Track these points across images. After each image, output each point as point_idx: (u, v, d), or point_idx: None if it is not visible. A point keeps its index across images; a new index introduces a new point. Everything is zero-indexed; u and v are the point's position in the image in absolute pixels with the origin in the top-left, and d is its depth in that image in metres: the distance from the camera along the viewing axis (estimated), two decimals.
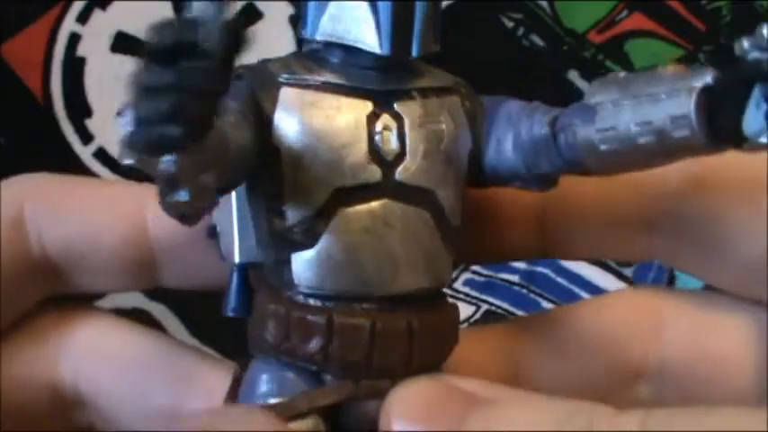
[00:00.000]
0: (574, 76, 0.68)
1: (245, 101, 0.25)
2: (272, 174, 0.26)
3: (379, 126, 0.26)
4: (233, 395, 0.27)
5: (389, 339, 0.25)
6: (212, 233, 0.27)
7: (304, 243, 0.26)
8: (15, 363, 0.31)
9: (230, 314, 0.28)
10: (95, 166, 0.66)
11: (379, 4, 0.25)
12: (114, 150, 0.67)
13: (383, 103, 0.26)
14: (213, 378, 0.30)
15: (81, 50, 0.67)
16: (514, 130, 0.27)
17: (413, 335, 0.26)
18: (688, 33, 0.68)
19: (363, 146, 0.26)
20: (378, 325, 0.25)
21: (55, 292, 0.32)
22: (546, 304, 0.65)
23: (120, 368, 0.31)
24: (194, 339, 0.63)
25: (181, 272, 0.31)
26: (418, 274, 0.26)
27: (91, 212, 0.31)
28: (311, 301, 0.26)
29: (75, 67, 0.67)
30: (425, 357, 0.26)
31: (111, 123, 0.67)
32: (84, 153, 0.67)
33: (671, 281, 0.58)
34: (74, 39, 0.67)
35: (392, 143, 0.26)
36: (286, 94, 0.26)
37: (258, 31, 0.69)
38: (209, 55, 0.19)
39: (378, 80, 0.26)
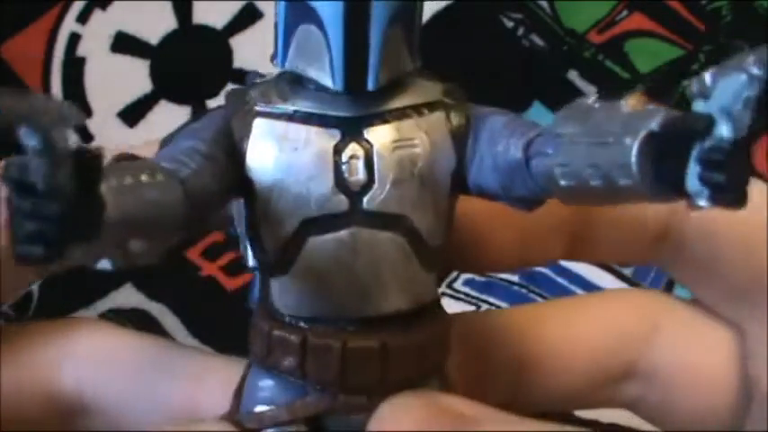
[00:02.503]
0: (574, 76, 0.68)
1: (215, 137, 0.26)
2: (248, 203, 0.26)
3: (345, 156, 0.26)
4: (239, 394, 0.28)
5: (361, 359, 0.26)
6: (234, 233, 0.28)
7: (279, 270, 0.26)
8: (16, 369, 0.30)
9: (253, 306, 0.28)
10: None
11: (330, 37, 0.25)
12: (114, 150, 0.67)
13: (352, 131, 0.26)
14: (226, 371, 0.30)
15: (81, 50, 0.67)
16: (493, 151, 0.26)
17: (387, 353, 0.26)
18: (688, 33, 0.68)
19: (330, 177, 0.26)
20: (349, 345, 0.26)
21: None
22: None
23: (127, 371, 0.31)
24: (194, 339, 0.63)
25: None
26: (392, 296, 0.26)
27: None
28: (290, 321, 0.27)
29: (75, 67, 0.67)
30: (404, 374, 0.27)
31: (111, 123, 0.67)
32: None
33: (670, 283, 0.58)
34: (74, 39, 0.67)
35: (359, 172, 0.26)
36: (259, 125, 0.26)
37: (258, 31, 0.69)
38: (49, 192, 0.19)
39: (350, 105, 0.26)
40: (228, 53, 0.67)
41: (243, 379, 0.28)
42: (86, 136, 0.67)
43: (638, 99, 0.23)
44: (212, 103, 0.67)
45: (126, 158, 0.23)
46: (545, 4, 0.68)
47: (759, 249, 0.29)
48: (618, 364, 0.32)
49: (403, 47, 0.26)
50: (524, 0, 0.68)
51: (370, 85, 0.25)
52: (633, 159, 0.22)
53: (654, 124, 0.22)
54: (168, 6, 0.68)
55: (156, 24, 0.68)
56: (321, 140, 0.26)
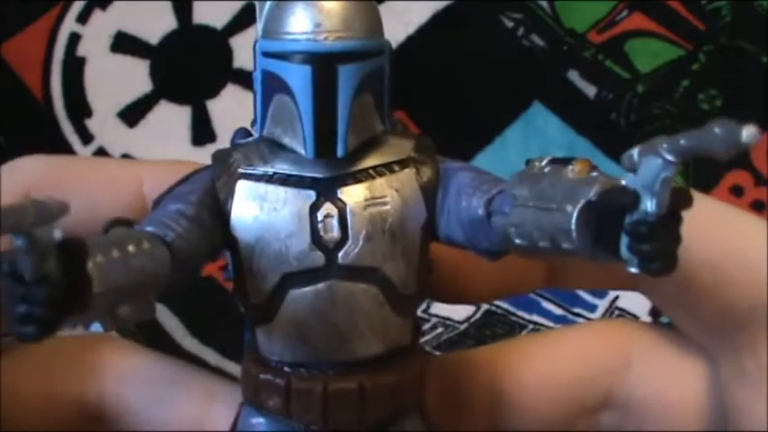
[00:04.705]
0: (574, 76, 0.68)
1: (201, 198, 0.28)
2: (234, 260, 0.28)
3: (320, 215, 0.27)
4: (235, 423, 0.30)
5: (341, 399, 0.28)
6: (229, 277, 0.30)
7: (263, 319, 0.28)
8: (51, 381, 0.32)
9: (246, 346, 0.30)
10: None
11: (301, 107, 0.27)
12: (114, 150, 0.67)
13: (327, 190, 0.28)
14: (233, 396, 0.31)
15: (81, 50, 0.67)
16: (459, 206, 0.28)
17: (365, 394, 0.28)
18: (688, 33, 0.68)
19: (306, 235, 0.27)
20: (330, 387, 0.28)
21: None
22: (546, 305, 0.65)
23: (145, 386, 0.33)
24: (194, 339, 0.63)
25: None
26: (368, 343, 0.28)
27: (92, 194, 0.31)
28: (275, 365, 0.28)
29: (75, 67, 0.67)
30: (381, 411, 0.28)
31: (111, 123, 0.67)
32: (84, 153, 0.67)
33: None
34: (74, 39, 0.67)
35: (334, 230, 0.27)
36: (241, 187, 0.28)
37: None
38: (36, 281, 0.21)
39: (325, 167, 0.28)
40: (228, 53, 0.67)
41: (237, 415, 0.30)
42: (86, 136, 0.67)
43: (583, 166, 0.24)
44: (212, 104, 0.67)
45: (119, 223, 0.26)
46: (545, 4, 0.68)
47: (729, 281, 0.29)
48: (593, 396, 0.32)
49: (373, 112, 0.28)
50: (524, 0, 0.68)
51: (340, 152, 0.27)
52: (573, 226, 0.23)
53: (592, 194, 0.23)
54: (168, 6, 0.68)
55: (156, 24, 0.68)
56: (298, 201, 0.27)
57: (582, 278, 0.33)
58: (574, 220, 0.23)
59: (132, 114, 0.67)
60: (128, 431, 0.33)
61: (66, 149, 0.66)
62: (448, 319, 0.64)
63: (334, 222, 0.27)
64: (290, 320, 0.28)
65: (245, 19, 0.67)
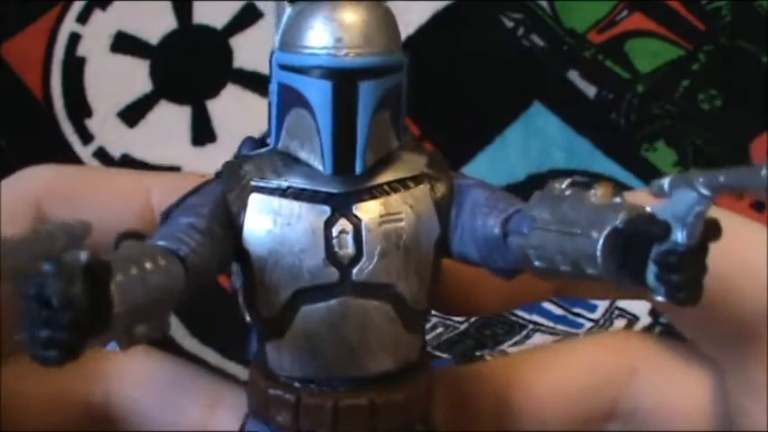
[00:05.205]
0: (574, 76, 0.68)
1: (213, 211, 0.27)
2: (244, 270, 0.28)
3: (335, 230, 0.27)
4: None
5: (351, 415, 0.28)
6: (233, 287, 0.30)
7: (274, 334, 0.28)
8: (59, 382, 0.32)
9: (251, 358, 0.30)
10: (95, 166, 0.66)
11: (320, 123, 0.27)
12: (114, 150, 0.67)
13: (342, 206, 0.27)
14: (237, 400, 0.31)
15: (81, 50, 0.67)
16: (474, 224, 0.27)
17: (375, 410, 0.28)
18: (688, 33, 0.68)
19: (321, 250, 0.27)
20: (340, 404, 0.28)
21: None
22: (547, 305, 0.65)
23: (150, 388, 0.33)
24: (194, 339, 0.63)
25: None
26: (379, 359, 0.28)
27: (101, 205, 0.31)
28: (285, 381, 0.28)
29: (75, 67, 0.67)
30: (390, 428, 0.28)
31: (111, 123, 0.67)
32: (84, 153, 0.67)
33: None
34: (74, 39, 0.67)
35: (348, 246, 0.27)
36: (254, 200, 0.27)
37: (258, 31, 0.69)
38: (63, 306, 0.21)
39: (341, 182, 0.27)
40: (228, 53, 0.67)
41: (242, 426, 0.30)
42: (86, 136, 0.67)
43: (606, 190, 0.24)
44: (212, 104, 0.67)
45: (131, 236, 0.25)
46: (545, 4, 0.68)
47: (735, 291, 0.29)
48: (599, 406, 0.33)
49: (389, 128, 0.28)
50: (524, 0, 0.68)
51: (358, 170, 0.27)
52: (599, 253, 0.23)
53: (619, 221, 0.23)
54: (168, 6, 0.68)
55: (156, 24, 0.68)
56: (312, 216, 0.27)
57: (590, 289, 0.33)
58: (600, 246, 0.23)
59: (132, 114, 0.67)
60: None
61: (66, 149, 0.66)
62: (448, 319, 0.64)
63: (349, 238, 0.27)
64: (301, 335, 0.28)
65: (245, 19, 0.67)
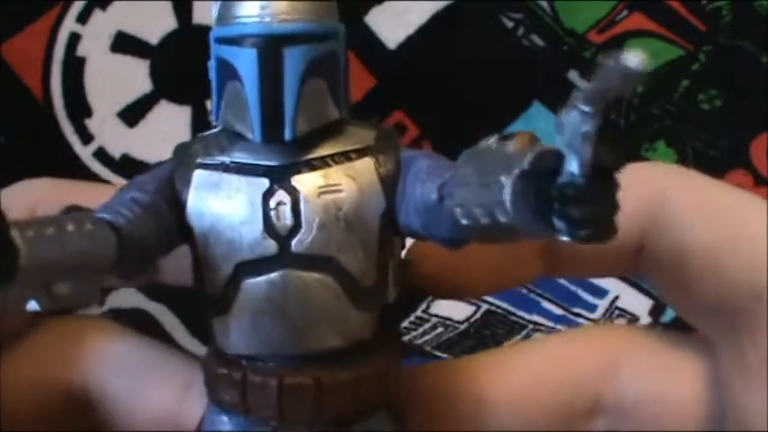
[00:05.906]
0: (574, 76, 0.68)
1: (159, 187, 0.28)
2: (192, 252, 0.28)
3: (273, 202, 0.27)
4: (201, 422, 0.30)
5: (296, 394, 0.28)
6: None
7: (219, 310, 0.28)
8: (35, 367, 0.32)
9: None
10: (95, 165, 0.66)
11: (248, 92, 0.27)
12: (114, 150, 0.67)
13: (281, 178, 0.27)
14: None
15: (81, 50, 0.67)
16: (414, 193, 0.27)
17: (321, 389, 0.28)
18: (688, 33, 0.68)
19: (259, 222, 0.27)
20: (285, 381, 0.27)
21: None
22: (546, 305, 0.65)
23: (123, 372, 0.32)
24: (194, 339, 0.63)
25: (179, 267, 0.31)
26: (324, 335, 0.28)
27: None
28: (232, 359, 0.28)
29: (75, 67, 0.67)
30: (340, 408, 0.28)
31: (111, 123, 0.67)
32: (84, 153, 0.67)
33: None
34: (74, 39, 0.67)
35: (286, 218, 0.27)
36: (198, 176, 0.28)
37: None
38: None
39: (280, 155, 0.27)
40: None
41: (202, 419, 0.30)
42: (86, 136, 0.67)
43: (524, 138, 0.23)
44: (212, 104, 0.67)
45: (72, 210, 0.26)
46: (545, 4, 0.68)
47: (729, 264, 0.29)
48: (581, 400, 0.32)
49: (326, 98, 0.27)
50: (524, 0, 0.68)
51: (288, 136, 0.27)
52: (506, 197, 0.22)
53: (525, 163, 0.22)
54: (168, 6, 0.68)
55: (156, 24, 0.68)
56: (251, 189, 0.27)
57: (579, 265, 0.33)
58: (508, 191, 0.22)
59: (132, 114, 0.67)
60: (109, 424, 0.32)
61: (66, 149, 0.66)
62: (448, 319, 0.64)
63: (287, 210, 0.27)
64: (245, 311, 0.27)
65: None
